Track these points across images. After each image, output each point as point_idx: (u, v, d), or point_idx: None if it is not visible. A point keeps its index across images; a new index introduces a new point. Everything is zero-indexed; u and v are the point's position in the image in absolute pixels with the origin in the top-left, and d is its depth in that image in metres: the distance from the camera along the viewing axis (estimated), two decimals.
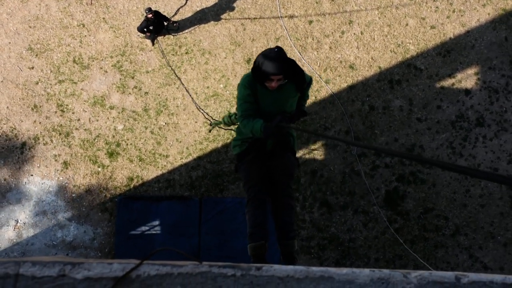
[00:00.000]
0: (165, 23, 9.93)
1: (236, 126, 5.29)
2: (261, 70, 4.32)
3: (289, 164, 4.89)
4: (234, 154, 5.04)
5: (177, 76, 10.12)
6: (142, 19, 10.15)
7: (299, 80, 4.62)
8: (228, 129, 9.08)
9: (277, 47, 4.38)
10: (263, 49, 10.15)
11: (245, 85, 4.52)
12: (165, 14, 10.02)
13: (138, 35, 10.22)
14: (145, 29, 9.72)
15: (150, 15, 9.47)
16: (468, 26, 10.30)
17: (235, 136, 5.10)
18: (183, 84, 10.09)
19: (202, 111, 9.96)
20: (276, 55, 4.29)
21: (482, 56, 10.20)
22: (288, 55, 4.54)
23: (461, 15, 10.33)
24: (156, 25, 9.73)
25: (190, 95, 10.06)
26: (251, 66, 4.45)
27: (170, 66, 10.13)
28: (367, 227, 9.82)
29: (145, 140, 9.98)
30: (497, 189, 9.90)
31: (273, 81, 4.33)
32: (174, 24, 10.13)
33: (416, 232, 9.83)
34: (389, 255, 9.77)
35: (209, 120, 9.85)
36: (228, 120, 5.96)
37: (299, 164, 5.31)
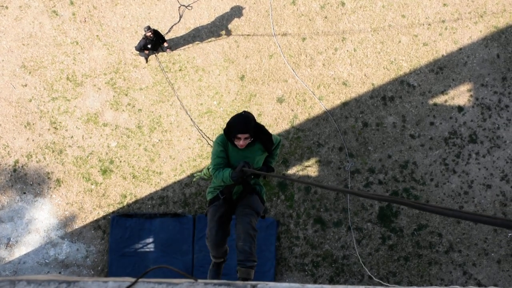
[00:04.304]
0: (160, 41, 9.94)
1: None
2: (230, 130, 4.98)
3: (253, 202, 5.41)
4: (207, 200, 5.65)
5: (173, 90, 10.14)
6: (136, 36, 10.18)
7: (266, 141, 5.26)
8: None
9: (245, 111, 5.10)
10: (256, 66, 10.19)
11: (219, 142, 5.21)
12: (159, 30, 10.05)
13: (132, 52, 10.24)
14: (143, 47, 9.71)
15: (149, 33, 9.46)
16: (461, 43, 10.38)
17: (210, 184, 5.69)
18: (179, 99, 10.11)
19: (197, 127, 9.97)
20: (243, 117, 4.97)
21: (475, 73, 10.27)
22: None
23: (453, 33, 10.41)
24: (154, 44, 9.74)
25: (185, 110, 10.07)
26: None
27: (168, 80, 10.15)
28: (361, 244, 9.81)
29: (138, 157, 9.96)
30: (490, 206, 9.91)
31: (240, 140, 4.94)
32: (167, 50, 10.27)
33: (410, 249, 9.81)
34: (383, 272, 9.74)
35: (203, 137, 9.89)
36: (207, 172, 6.78)
37: (267, 209, 5.73)
